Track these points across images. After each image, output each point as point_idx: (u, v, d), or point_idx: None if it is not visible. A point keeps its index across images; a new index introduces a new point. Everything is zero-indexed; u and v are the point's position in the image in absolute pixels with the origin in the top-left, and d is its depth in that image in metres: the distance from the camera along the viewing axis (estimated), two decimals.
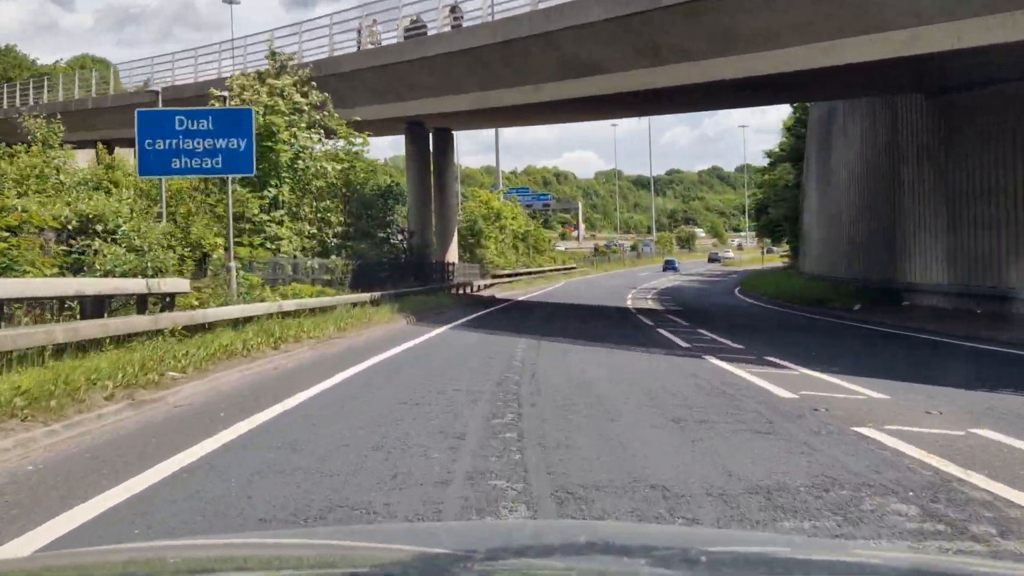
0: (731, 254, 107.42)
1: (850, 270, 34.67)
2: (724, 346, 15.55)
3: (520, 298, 37.81)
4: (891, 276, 28.79)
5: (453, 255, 42.48)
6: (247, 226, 18.67)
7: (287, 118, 21.39)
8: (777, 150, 70.07)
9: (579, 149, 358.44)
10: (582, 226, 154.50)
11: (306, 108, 22.73)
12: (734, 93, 27.32)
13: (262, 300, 15.38)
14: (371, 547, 2.08)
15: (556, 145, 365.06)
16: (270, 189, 20.20)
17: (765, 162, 71.76)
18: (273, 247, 19.38)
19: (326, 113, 23.81)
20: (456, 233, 43.48)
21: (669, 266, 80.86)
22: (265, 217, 19.63)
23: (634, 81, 24.34)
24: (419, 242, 36.31)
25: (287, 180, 21.00)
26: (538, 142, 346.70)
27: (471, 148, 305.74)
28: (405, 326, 20.68)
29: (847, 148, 35.00)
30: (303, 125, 22.05)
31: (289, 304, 15.84)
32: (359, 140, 27.21)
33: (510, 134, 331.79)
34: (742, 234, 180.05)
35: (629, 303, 34.06)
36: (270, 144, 20.22)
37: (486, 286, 45.10)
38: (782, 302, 34.12)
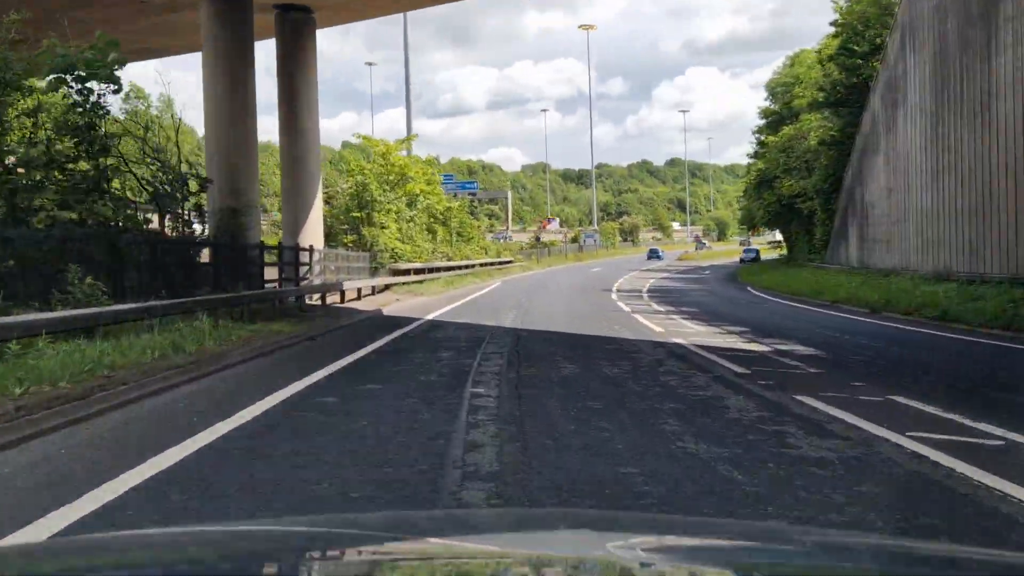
0: (708, 244, 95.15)
1: None
2: None
3: (433, 315, 19.31)
4: None
5: (315, 235, 23.79)
6: None
7: None
8: (775, 107, 53.25)
9: (503, 146, 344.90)
10: (510, 221, 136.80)
11: None
12: None
13: None
14: (352, 533, 1.99)
15: (480, 143, 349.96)
16: None
17: (758, 123, 54.99)
18: None
19: None
20: (320, 199, 24.79)
21: (653, 255, 79.26)
22: None
23: None
24: (225, 204, 17.66)
25: None
26: (463, 139, 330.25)
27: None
28: None
29: None
30: None
31: None
32: None
33: (434, 131, 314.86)
34: (676, 225, 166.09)
35: (654, 327, 16.16)
36: None
37: (379, 289, 26.68)
38: (948, 327, 16.81)
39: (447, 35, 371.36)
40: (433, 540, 1.87)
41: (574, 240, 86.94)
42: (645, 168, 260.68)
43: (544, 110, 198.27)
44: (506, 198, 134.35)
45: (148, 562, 1.69)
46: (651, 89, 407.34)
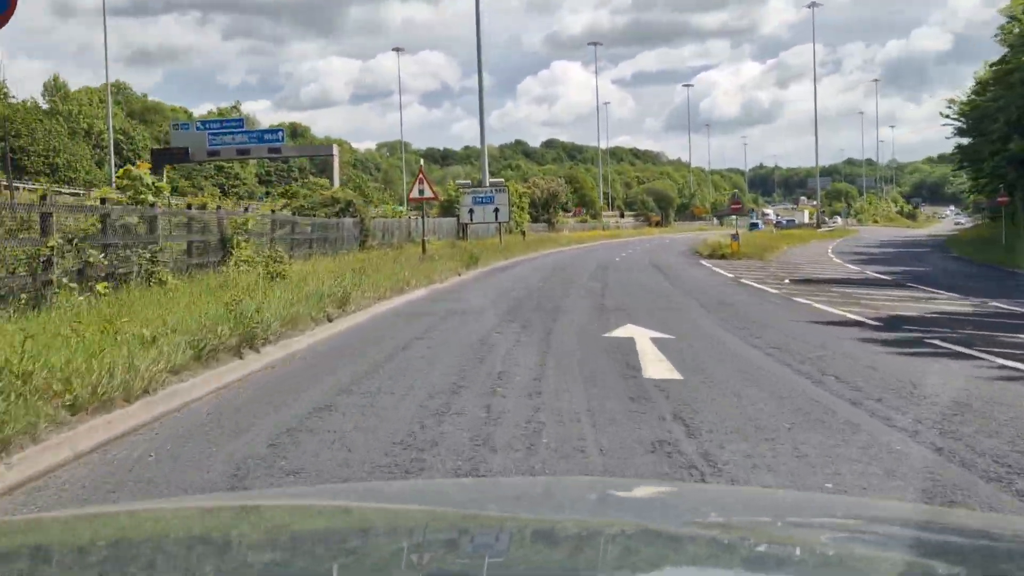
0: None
1: None
2: None
3: None
4: None
5: None
6: None
7: None
8: None
9: (368, 140, 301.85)
10: (337, 184, 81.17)
11: None
12: None
13: None
14: (381, 507, 1.89)
15: (345, 136, 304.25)
16: None
17: None
18: None
19: None
20: None
21: (754, 228, 57.07)
22: None
23: None
24: None
25: None
26: (327, 132, 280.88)
27: None
28: None
29: None
30: None
31: None
32: None
33: (296, 123, 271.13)
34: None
35: None
36: None
37: None
38: None
39: (310, 25, 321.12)
40: (458, 510, 1.81)
41: (447, 208, 33.22)
42: (520, 149, 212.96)
43: (398, 49, 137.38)
44: (331, 155, 79.25)
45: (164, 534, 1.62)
46: (515, 83, 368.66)
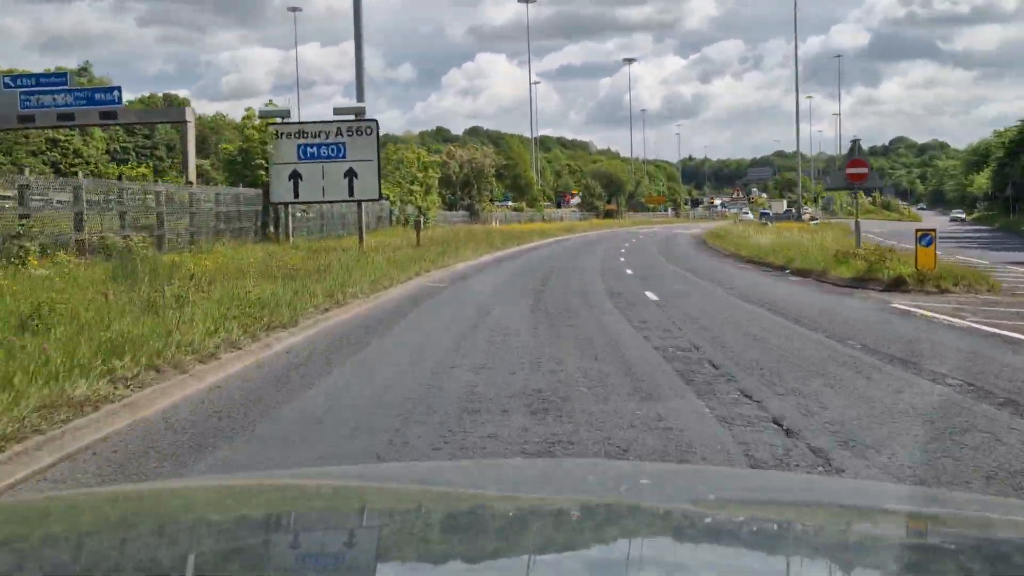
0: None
1: None
2: None
3: None
4: None
5: None
6: None
7: None
8: None
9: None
10: (192, 163, 60.11)
11: None
12: None
13: None
14: (381, 488, 1.87)
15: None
16: None
17: None
18: None
19: None
20: None
21: (765, 216, 60.59)
22: None
23: None
24: None
25: None
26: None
27: None
28: None
29: None
30: None
31: None
32: None
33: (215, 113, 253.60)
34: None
35: None
36: None
37: None
38: None
39: (230, 13, 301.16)
40: (457, 491, 1.77)
41: (239, 170, 14.30)
42: (441, 136, 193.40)
43: (294, 9, 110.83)
44: (184, 121, 58.37)
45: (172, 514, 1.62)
46: (440, 76, 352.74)
